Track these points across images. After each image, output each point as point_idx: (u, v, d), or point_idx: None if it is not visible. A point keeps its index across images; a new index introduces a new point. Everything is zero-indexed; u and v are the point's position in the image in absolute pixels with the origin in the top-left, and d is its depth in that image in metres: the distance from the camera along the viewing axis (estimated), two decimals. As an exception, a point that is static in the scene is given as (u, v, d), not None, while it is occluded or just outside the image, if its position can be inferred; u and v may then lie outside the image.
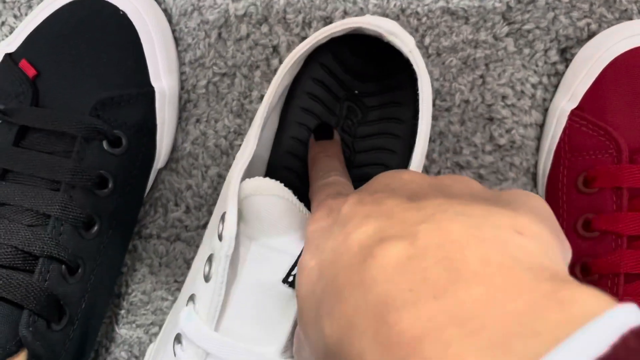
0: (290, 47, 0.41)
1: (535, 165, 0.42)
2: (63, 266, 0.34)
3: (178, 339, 0.33)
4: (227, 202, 0.29)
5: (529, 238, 0.18)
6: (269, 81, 0.42)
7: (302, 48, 0.33)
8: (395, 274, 0.16)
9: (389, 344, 0.15)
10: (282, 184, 0.29)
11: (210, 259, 0.31)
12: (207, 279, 0.31)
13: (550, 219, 0.20)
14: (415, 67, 0.31)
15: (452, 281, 0.16)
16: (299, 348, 0.26)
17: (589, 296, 0.15)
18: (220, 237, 0.30)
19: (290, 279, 0.30)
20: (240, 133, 0.42)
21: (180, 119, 0.42)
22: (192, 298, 0.32)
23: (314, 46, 0.34)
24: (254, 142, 0.32)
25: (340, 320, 0.17)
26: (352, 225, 0.20)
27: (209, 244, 0.33)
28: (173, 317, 0.37)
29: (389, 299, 0.16)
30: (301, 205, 0.29)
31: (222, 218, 0.30)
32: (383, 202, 0.20)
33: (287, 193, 0.29)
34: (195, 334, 0.31)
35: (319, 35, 0.33)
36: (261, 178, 0.29)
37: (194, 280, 0.34)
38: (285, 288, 0.30)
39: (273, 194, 0.29)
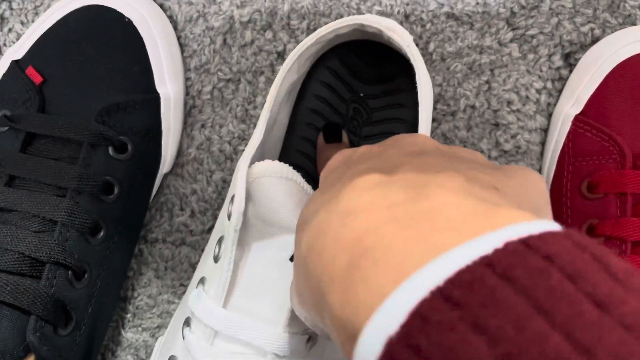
0: (294, 53, 0.42)
1: (540, 170, 0.42)
2: (69, 272, 0.35)
3: (187, 322, 0.33)
4: (236, 183, 0.30)
5: (502, 192, 0.20)
6: (273, 87, 0.42)
7: (307, 43, 0.34)
8: (362, 192, 0.20)
9: (343, 239, 0.19)
10: (290, 166, 0.30)
11: (220, 241, 0.32)
12: (216, 259, 0.32)
13: (538, 194, 0.21)
14: (412, 60, 0.33)
15: (409, 200, 0.18)
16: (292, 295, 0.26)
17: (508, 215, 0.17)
18: (229, 217, 0.30)
19: None
20: (244, 138, 0.42)
21: (185, 124, 0.43)
22: (201, 280, 0.33)
23: (319, 43, 0.34)
24: (260, 133, 0.33)
25: (314, 229, 0.20)
26: (354, 167, 0.22)
27: (219, 229, 0.33)
28: (182, 306, 0.37)
29: (351, 208, 0.19)
30: (309, 188, 0.30)
31: (231, 200, 0.31)
32: (386, 151, 0.23)
33: (295, 174, 0.30)
34: (203, 312, 0.31)
35: (322, 31, 0.34)
36: (269, 161, 0.30)
37: (204, 265, 0.34)
38: (291, 265, 0.31)
39: (281, 176, 0.30)
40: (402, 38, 0.33)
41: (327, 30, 0.34)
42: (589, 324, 0.13)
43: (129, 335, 0.43)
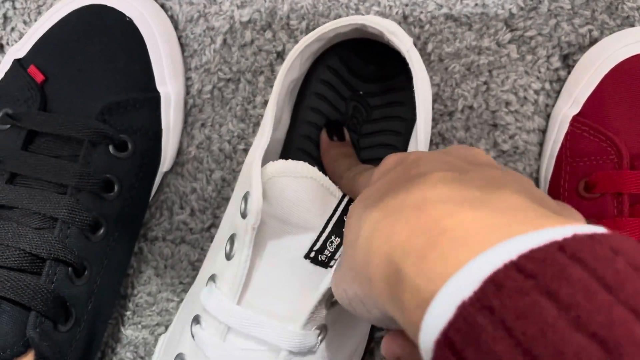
0: (294, 53, 0.42)
1: (538, 170, 0.42)
2: (70, 268, 0.35)
3: (196, 319, 0.33)
4: (251, 181, 0.30)
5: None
6: (272, 87, 0.42)
7: (307, 40, 0.34)
8: (439, 184, 0.22)
9: (419, 223, 0.20)
10: (307, 164, 0.30)
11: (232, 238, 0.32)
12: (229, 257, 0.32)
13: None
14: (410, 65, 0.33)
15: (485, 195, 0.21)
16: (340, 289, 0.26)
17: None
18: (243, 215, 0.30)
19: (312, 254, 0.31)
20: (244, 137, 0.43)
21: (185, 123, 0.43)
22: (212, 278, 0.33)
23: (320, 41, 0.35)
24: (269, 128, 0.33)
25: (380, 215, 0.22)
26: (417, 167, 0.24)
27: (228, 227, 0.33)
28: (188, 305, 0.37)
29: (427, 197, 0.21)
30: (327, 181, 0.31)
31: (245, 198, 0.31)
32: (446, 157, 0.25)
33: (313, 171, 0.30)
34: (217, 309, 0.31)
35: (325, 28, 0.34)
36: (285, 161, 0.31)
37: (213, 263, 0.34)
38: (307, 264, 0.31)
39: (300, 175, 0.30)
40: (403, 42, 0.33)
41: (328, 28, 0.34)
42: None
43: (128, 332, 0.43)
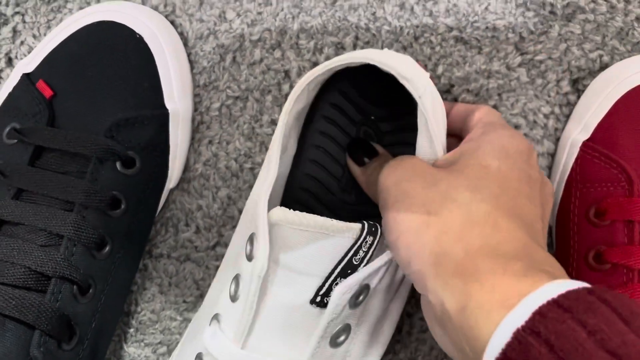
0: (300, 72, 0.42)
1: (546, 194, 0.42)
2: (75, 286, 0.35)
3: (200, 357, 0.33)
4: (258, 225, 0.30)
5: None
6: (279, 106, 0.42)
7: (317, 72, 0.34)
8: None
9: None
10: (307, 214, 0.30)
11: (237, 279, 0.32)
12: (233, 299, 0.32)
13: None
14: (424, 112, 0.32)
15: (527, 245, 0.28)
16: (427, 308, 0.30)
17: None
18: (249, 258, 0.30)
19: (318, 299, 0.31)
20: (250, 156, 0.43)
21: (192, 140, 0.43)
22: (216, 317, 0.33)
23: (329, 72, 0.34)
24: (275, 164, 0.33)
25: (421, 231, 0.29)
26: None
27: (232, 264, 0.33)
28: (191, 337, 0.37)
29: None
30: (332, 225, 0.30)
31: (250, 240, 0.31)
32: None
33: (311, 220, 0.30)
34: (221, 352, 0.31)
35: (334, 63, 0.33)
36: (288, 210, 0.30)
37: (216, 300, 0.34)
38: (312, 308, 0.31)
39: (302, 227, 0.30)
40: (415, 88, 0.32)
41: (338, 63, 0.33)
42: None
43: (131, 350, 0.43)
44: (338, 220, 0.30)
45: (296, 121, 0.36)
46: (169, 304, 0.43)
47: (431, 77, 0.41)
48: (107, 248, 0.36)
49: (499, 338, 0.23)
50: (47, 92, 0.38)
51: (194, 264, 0.43)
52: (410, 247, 0.28)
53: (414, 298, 0.41)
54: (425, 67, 0.39)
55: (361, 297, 0.31)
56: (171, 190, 0.43)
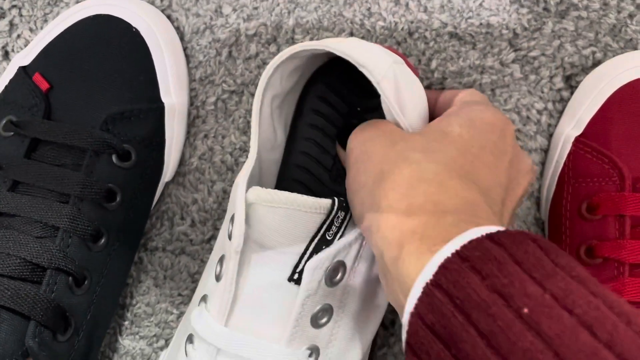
0: (299, 67, 0.42)
1: (539, 190, 0.42)
2: (70, 278, 0.35)
3: (190, 339, 0.33)
4: (236, 204, 0.31)
5: None
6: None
7: (280, 58, 0.33)
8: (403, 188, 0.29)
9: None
10: (279, 191, 0.30)
11: (221, 260, 0.32)
12: (218, 278, 0.32)
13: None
14: (383, 96, 0.32)
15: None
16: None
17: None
18: (229, 237, 0.31)
19: (295, 276, 0.31)
20: (246, 150, 0.43)
21: (188, 134, 0.43)
22: (204, 298, 0.33)
23: (296, 55, 0.33)
24: (254, 149, 0.34)
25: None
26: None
27: (220, 247, 0.34)
28: (185, 321, 0.37)
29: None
30: (308, 202, 0.30)
31: (232, 220, 0.31)
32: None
33: (286, 198, 0.30)
34: (206, 330, 0.32)
35: (297, 48, 0.33)
36: (259, 188, 0.31)
37: (205, 282, 0.35)
38: (290, 285, 0.31)
39: (272, 205, 0.30)
40: (372, 74, 0.31)
41: (302, 48, 0.33)
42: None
43: (126, 342, 0.43)
44: (309, 197, 0.30)
45: (279, 110, 0.36)
46: (164, 296, 0.43)
47: (424, 71, 0.41)
48: (103, 240, 0.36)
49: (415, 293, 0.24)
50: (44, 85, 0.38)
51: (189, 257, 0.43)
52: (364, 204, 0.29)
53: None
54: (403, 55, 0.39)
55: (338, 276, 0.32)
56: (167, 184, 0.43)
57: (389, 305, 0.41)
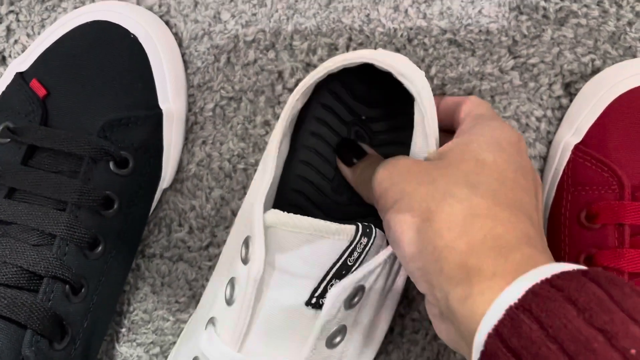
0: (294, 73, 0.42)
1: (538, 197, 0.42)
2: (67, 286, 0.34)
3: None
4: (254, 228, 0.30)
5: None
6: (273, 106, 0.42)
7: (314, 76, 0.34)
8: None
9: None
10: (302, 217, 0.30)
11: (232, 283, 0.32)
12: (229, 302, 0.32)
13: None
14: (422, 107, 0.32)
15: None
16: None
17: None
18: (244, 261, 0.30)
19: (314, 301, 0.31)
20: (244, 157, 0.43)
21: (186, 140, 0.43)
22: (212, 321, 0.33)
23: (325, 75, 0.34)
24: (272, 167, 0.33)
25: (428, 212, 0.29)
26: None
27: (227, 267, 0.33)
28: (187, 340, 0.37)
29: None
30: (327, 227, 0.30)
31: (246, 243, 0.31)
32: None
33: (311, 224, 0.30)
34: (218, 357, 0.31)
35: (331, 65, 0.34)
36: (283, 213, 0.30)
37: (212, 303, 0.34)
38: (307, 310, 0.31)
39: (297, 229, 0.30)
40: (413, 84, 0.32)
41: (335, 65, 0.33)
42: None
43: (123, 349, 0.43)
44: (332, 222, 0.30)
45: (289, 125, 0.36)
46: (162, 304, 0.43)
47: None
48: (100, 248, 0.36)
49: (493, 315, 0.24)
50: (41, 91, 0.38)
51: (186, 264, 0.43)
52: (413, 244, 0.28)
53: (406, 299, 0.42)
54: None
55: (356, 299, 0.31)
56: (164, 191, 0.43)
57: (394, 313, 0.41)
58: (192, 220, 0.43)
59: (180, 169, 0.43)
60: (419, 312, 0.42)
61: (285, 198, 0.38)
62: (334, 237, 0.30)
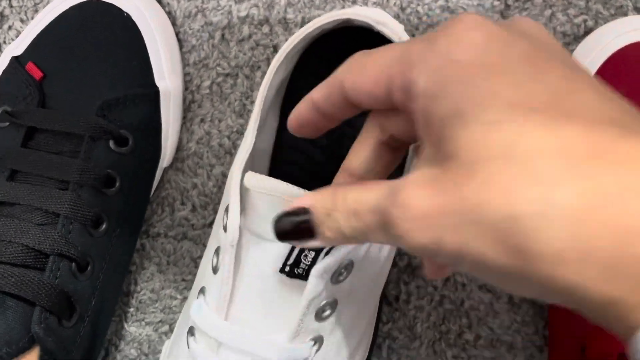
0: (290, 47, 0.42)
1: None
2: (73, 264, 0.35)
3: (191, 331, 0.33)
4: (230, 194, 0.30)
5: None
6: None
7: (293, 41, 0.34)
8: None
9: None
10: (275, 179, 0.29)
11: (217, 251, 0.32)
12: (215, 270, 0.32)
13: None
14: None
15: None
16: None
17: None
18: (225, 228, 0.30)
19: (287, 269, 0.30)
20: (243, 133, 0.43)
21: (185, 118, 0.43)
22: (202, 291, 0.33)
23: (306, 39, 0.34)
24: (252, 136, 0.33)
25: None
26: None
27: (216, 237, 0.33)
28: (185, 312, 0.37)
29: None
30: (289, 187, 0.29)
31: (226, 210, 0.31)
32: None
33: (276, 186, 0.29)
34: (206, 324, 0.31)
35: (308, 28, 0.33)
36: (253, 174, 0.30)
37: (203, 274, 0.34)
38: (287, 279, 0.30)
39: (275, 194, 0.29)
40: (394, 31, 0.32)
41: (314, 27, 0.33)
42: None
43: (132, 329, 0.43)
44: (296, 187, 0.29)
45: (276, 94, 0.36)
46: (168, 282, 0.43)
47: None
48: (104, 226, 0.37)
49: None
50: (37, 74, 0.38)
51: (191, 242, 0.43)
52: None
53: (409, 267, 0.42)
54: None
55: (345, 274, 0.31)
56: (165, 170, 0.43)
57: (391, 280, 0.42)
58: (195, 198, 0.43)
59: (180, 147, 0.43)
60: (423, 279, 0.42)
61: (280, 171, 0.38)
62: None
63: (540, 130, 0.18)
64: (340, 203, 0.23)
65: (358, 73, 0.24)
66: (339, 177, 0.27)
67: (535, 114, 0.19)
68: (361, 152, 0.26)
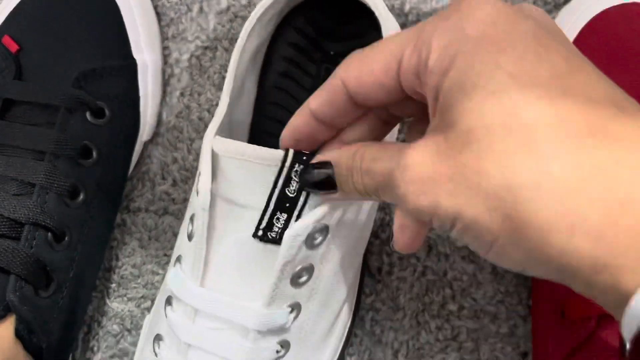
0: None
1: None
2: (49, 233, 0.35)
3: (169, 301, 0.33)
4: (201, 159, 0.30)
5: None
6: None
7: (265, 4, 0.33)
8: None
9: None
10: (241, 142, 0.29)
11: (192, 218, 0.32)
12: (190, 237, 0.32)
13: None
14: (377, 14, 0.32)
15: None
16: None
17: None
18: (197, 192, 0.30)
19: (260, 233, 0.30)
20: (225, 107, 0.43)
21: (164, 92, 0.43)
22: (178, 259, 0.33)
23: (278, 3, 0.34)
24: (225, 102, 0.33)
25: None
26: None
27: (191, 204, 0.33)
28: (164, 285, 0.37)
29: None
30: (272, 156, 0.28)
31: (199, 176, 0.31)
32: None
33: (254, 151, 0.28)
34: (182, 291, 0.31)
35: None
36: (221, 138, 0.29)
37: (180, 243, 0.34)
38: (260, 244, 0.30)
39: (243, 157, 0.29)
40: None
41: None
42: None
43: (114, 305, 0.43)
44: (262, 147, 0.28)
45: (252, 63, 0.36)
46: (150, 257, 0.43)
47: (399, 15, 0.41)
48: (81, 197, 0.36)
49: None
50: (13, 47, 0.38)
51: (172, 217, 0.43)
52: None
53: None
54: None
55: (320, 238, 0.30)
56: (146, 144, 0.43)
57: (373, 252, 0.41)
58: (175, 172, 0.43)
59: (159, 122, 0.43)
60: (406, 251, 0.42)
61: (259, 141, 0.38)
62: (265, 163, 0.28)
63: (540, 103, 0.19)
64: (358, 160, 0.24)
65: (362, 68, 0.25)
66: (333, 144, 0.28)
67: (536, 88, 0.20)
68: (357, 127, 0.27)
